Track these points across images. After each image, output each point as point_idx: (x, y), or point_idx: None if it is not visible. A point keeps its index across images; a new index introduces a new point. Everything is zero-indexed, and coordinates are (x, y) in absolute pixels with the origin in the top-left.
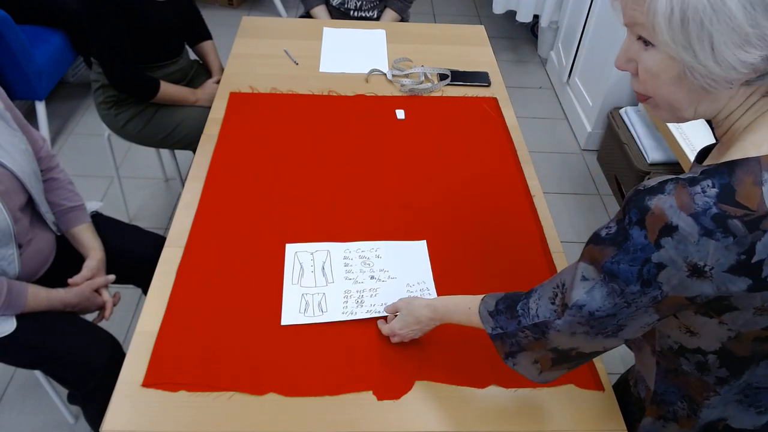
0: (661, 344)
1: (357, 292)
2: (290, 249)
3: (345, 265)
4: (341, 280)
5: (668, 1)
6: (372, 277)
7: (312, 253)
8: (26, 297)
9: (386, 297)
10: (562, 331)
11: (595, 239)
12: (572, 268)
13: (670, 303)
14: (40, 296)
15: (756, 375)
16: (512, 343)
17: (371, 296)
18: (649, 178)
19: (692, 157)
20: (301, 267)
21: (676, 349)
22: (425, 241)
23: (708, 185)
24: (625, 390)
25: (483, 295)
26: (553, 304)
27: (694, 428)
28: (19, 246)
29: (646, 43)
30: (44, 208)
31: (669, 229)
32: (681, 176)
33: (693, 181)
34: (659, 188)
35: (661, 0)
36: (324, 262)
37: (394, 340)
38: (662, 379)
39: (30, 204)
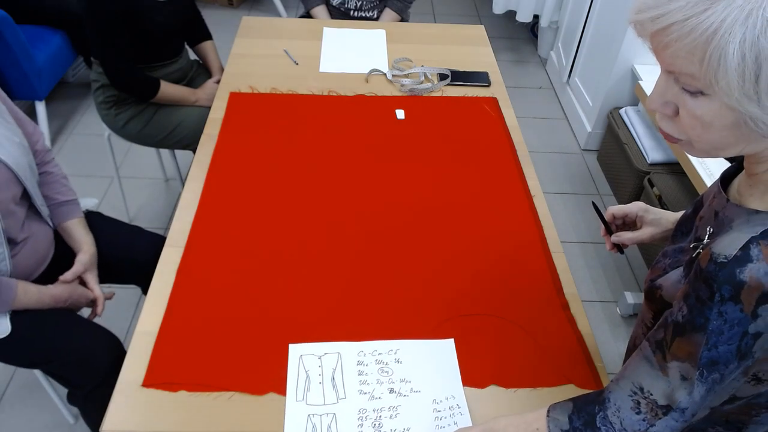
0: None
1: (374, 411)
2: (294, 351)
3: (359, 374)
4: (355, 394)
5: (738, 52)
6: (391, 391)
7: (320, 357)
8: (15, 292)
9: (408, 418)
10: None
11: (677, 330)
12: (646, 366)
13: (759, 363)
14: (30, 291)
15: None
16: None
17: (391, 417)
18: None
19: (692, 157)
20: (308, 377)
21: (733, 395)
22: (453, 339)
23: None
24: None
25: (547, 411)
26: (638, 413)
27: None
28: (13, 243)
29: (695, 92)
30: (39, 201)
31: (765, 297)
32: (755, 235)
33: None
34: (745, 257)
35: (730, 53)
36: (334, 370)
37: None
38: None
39: (25, 199)
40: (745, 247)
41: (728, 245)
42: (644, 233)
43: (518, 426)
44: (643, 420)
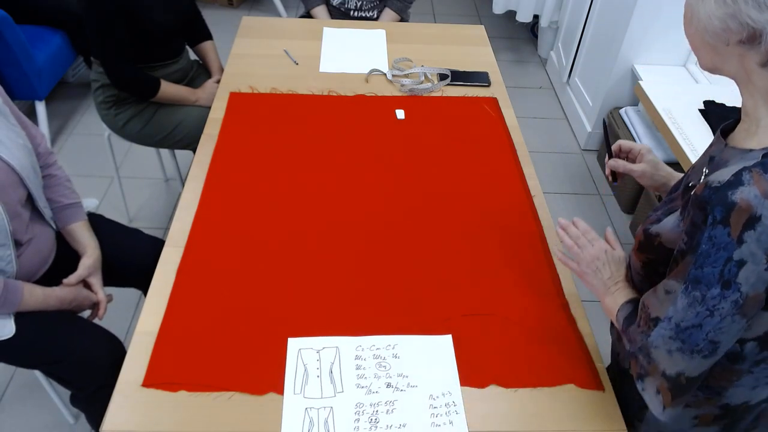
0: None
1: (371, 405)
2: (293, 345)
3: (357, 368)
4: (352, 388)
5: None
6: (389, 385)
7: (318, 351)
8: (22, 294)
9: (405, 413)
10: (659, 347)
11: (678, 256)
12: (650, 292)
13: (752, 303)
14: (35, 293)
15: None
16: (640, 365)
17: (387, 412)
18: (707, 173)
19: (692, 157)
20: (306, 370)
21: (729, 357)
22: (450, 335)
23: None
24: (625, 375)
25: (619, 310)
26: (638, 327)
27: (712, 410)
28: (18, 244)
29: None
30: (42, 203)
31: (752, 221)
32: (748, 164)
33: (766, 167)
34: (737, 181)
35: None
36: (332, 364)
37: (577, 254)
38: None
39: (29, 201)
40: (738, 174)
41: (722, 174)
42: (638, 167)
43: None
44: (642, 332)
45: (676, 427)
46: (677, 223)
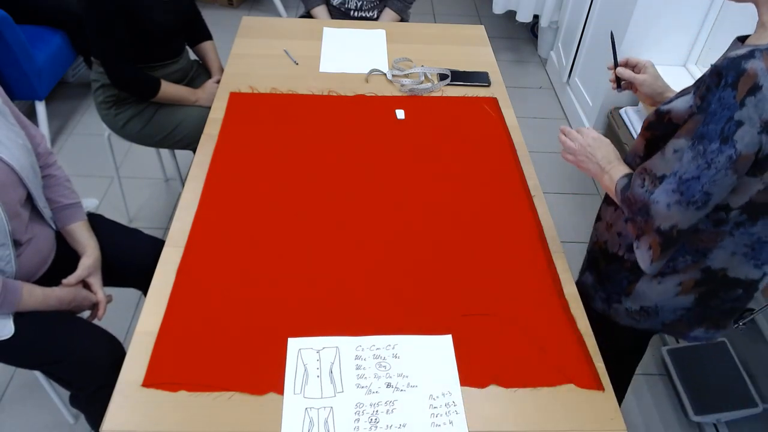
0: None
1: (371, 405)
2: (293, 345)
3: (357, 368)
4: (352, 388)
5: None
6: (389, 385)
7: (318, 351)
8: (21, 294)
9: (405, 413)
10: (660, 202)
11: (689, 118)
12: (656, 157)
13: (743, 161)
14: (35, 293)
15: (764, 229)
16: (638, 227)
17: (387, 412)
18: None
19: None
20: (306, 370)
21: (713, 220)
22: (450, 335)
23: None
24: (608, 259)
25: (619, 181)
26: (642, 187)
27: (695, 274)
28: (18, 244)
29: None
30: (42, 203)
31: (755, 89)
32: (761, 47)
33: None
34: (750, 54)
35: None
36: (332, 364)
37: (570, 147)
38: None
39: (29, 201)
40: (752, 50)
41: (738, 51)
42: (641, 76)
43: (613, 181)
44: (647, 191)
45: (660, 297)
46: (689, 102)
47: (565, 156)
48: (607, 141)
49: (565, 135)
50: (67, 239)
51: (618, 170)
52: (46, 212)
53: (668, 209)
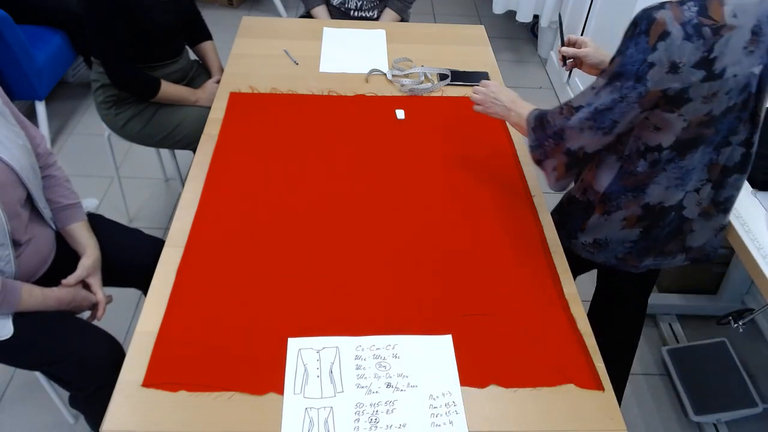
0: (631, 148)
1: (371, 405)
2: (293, 345)
3: (357, 368)
4: (352, 388)
5: None
6: (389, 385)
7: (318, 351)
8: (20, 294)
9: (405, 413)
10: (575, 127)
11: (608, 62)
12: (581, 92)
13: (650, 97)
14: (34, 293)
15: (693, 160)
16: (542, 152)
17: (387, 412)
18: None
19: None
20: (306, 370)
21: (642, 150)
22: (450, 335)
23: (691, 5)
24: (569, 202)
25: (530, 113)
26: (561, 114)
27: (636, 210)
28: (17, 245)
29: None
30: (42, 204)
31: (664, 35)
32: (673, 1)
33: (681, 2)
34: (660, 6)
35: None
36: (332, 364)
37: (476, 99)
38: (617, 181)
39: (29, 201)
40: (662, 4)
41: (654, 3)
42: (582, 51)
43: (521, 116)
44: (564, 117)
45: (608, 230)
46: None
47: (475, 109)
48: (508, 89)
49: (473, 92)
50: (67, 239)
51: (524, 106)
52: (46, 212)
53: (581, 132)
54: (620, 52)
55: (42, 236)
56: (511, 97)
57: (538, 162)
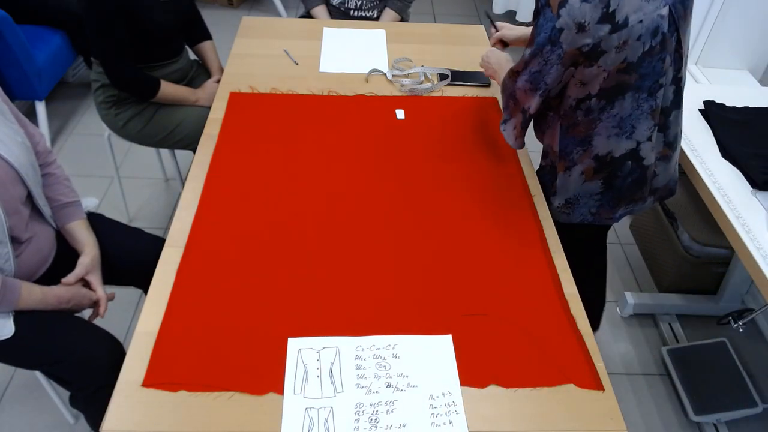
0: (565, 106)
1: (371, 405)
2: (293, 345)
3: (357, 368)
4: (352, 388)
5: None
6: (389, 385)
7: (318, 351)
8: (20, 293)
9: (405, 413)
10: (521, 88)
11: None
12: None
13: (569, 56)
14: (34, 292)
15: (624, 107)
16: (507, 113)
17: (387, 412)
18: None
19: (692, 157)
20: (306, 370)
21: (574, 104)
22: (450, 335)
23: None
24: (540, 172)
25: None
26: (510, 78)
27: (589, 162)
28: (18, 243)
29: None
30: (42, 202)
31: (563, 3)
32: None
33: None
34: None
35: None
36: (332, 364)
37: (482, 65)
38: (564, 136)
39: (29, 199)
40: None
41: None
42: (499, 33)
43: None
44: (513, 81)
45: (573, 187)
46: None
47: (482, 66)
48: (500, 52)
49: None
50: (66, 237)
51: (505, 68)
52: (46, 210)
53: (525, 94)
54: (536, 24)
55: (42, 235)
56: (498, 62)
57: (503, 122)
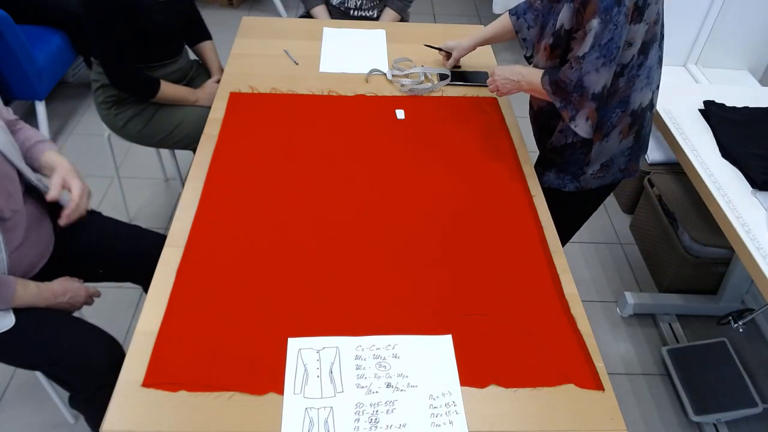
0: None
1: (371, 405)
2: (293, 345)
3: (357, 368)
4: (352, 388)
5: None
6: (389, 385)
7: (318, 351)
8: (15, 289)
9: (405, 413)
10: (590, 72)
11: (584, 10)
12: (576, 41)
13: (629, 12)
14: (29, 287)
15: (650, 58)
16: (571, 108)
17: (387, 412)
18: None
19: (693, 157)
20: (306, 370)
21: (618, 71)
22: (450, 335)
23: None
24: (564, 149)
25: (542, 80)
26: (572, 68)
27: (626, 120)
28: (3, 221)
29: None
30: (29, 173)
31: None
32: None
33: None
34: None
35: None
36: (332, 364)
37: (492, 89)
38: (604, 107)
39: (21, 182)
40: None
41: None
42: (453, 51)
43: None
44: (574, 69)
45: (611, 149)
46: (568, 9)
47: (493, 91)
48: (508, 66)
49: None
50: (43, 172)
51: (531, 72)
52: (40, 185)
53: (597, 72)
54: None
55: (41, 229)
56: (515, 70)
57: (571, 119)
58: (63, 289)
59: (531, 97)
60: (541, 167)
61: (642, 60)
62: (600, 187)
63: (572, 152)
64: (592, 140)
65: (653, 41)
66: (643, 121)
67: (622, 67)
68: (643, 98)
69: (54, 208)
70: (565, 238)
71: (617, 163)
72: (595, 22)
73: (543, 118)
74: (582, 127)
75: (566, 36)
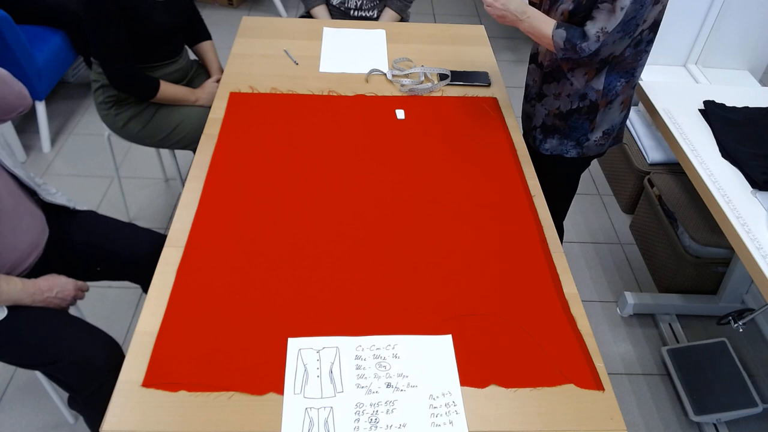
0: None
1: (371, 405)
2: (293, 345)
3: (357, 368)
4: (352, 388)
5: None
6: (388, 385)
7: (318, 351)
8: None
9: (405, 413)
10: (608, 43)
11: None
12: (607, 12)
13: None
14: (13, 282)
15: (657, 34)
16: (573, 63)
17: (387, 412)
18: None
19: (693, 157)
20: (306, 370)
21: (634, 44)
22: (450, 335)
23: None
24: (570, 114)
25: (555, 32)
26: (597, 40)
27: (629, 92)
28: None
29: None
30: (24, 176)
31: None
32: None
33: None
34: None
35: None
36: (332, 364)
37: (489, 11)
38: (610, 73)
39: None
40: None
41: None
42: None
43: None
44: (597, 40)
45: (613, 117)
46: None
47: (486, 6)
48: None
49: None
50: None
51: (538, 18)
52: (33, 185)
53: (613, 44)
54: None
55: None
56: (519, 8)
57: (570, 69)
58: (49, 284)
59: (542, 53)
60: (543, 134)
61: (651, 37)
62: (596, 155)
63: (577, 117)
64: (598, 106)
65: (660, 19)
66: (633, 93)
67: (637, 42)
68: (641, 74)
69: (47, 206)
70: (559, 214)
71: (616, 130)
72: (627, 0)
73: (555, 74)
74: (577, 80)
75: (588, 4)
